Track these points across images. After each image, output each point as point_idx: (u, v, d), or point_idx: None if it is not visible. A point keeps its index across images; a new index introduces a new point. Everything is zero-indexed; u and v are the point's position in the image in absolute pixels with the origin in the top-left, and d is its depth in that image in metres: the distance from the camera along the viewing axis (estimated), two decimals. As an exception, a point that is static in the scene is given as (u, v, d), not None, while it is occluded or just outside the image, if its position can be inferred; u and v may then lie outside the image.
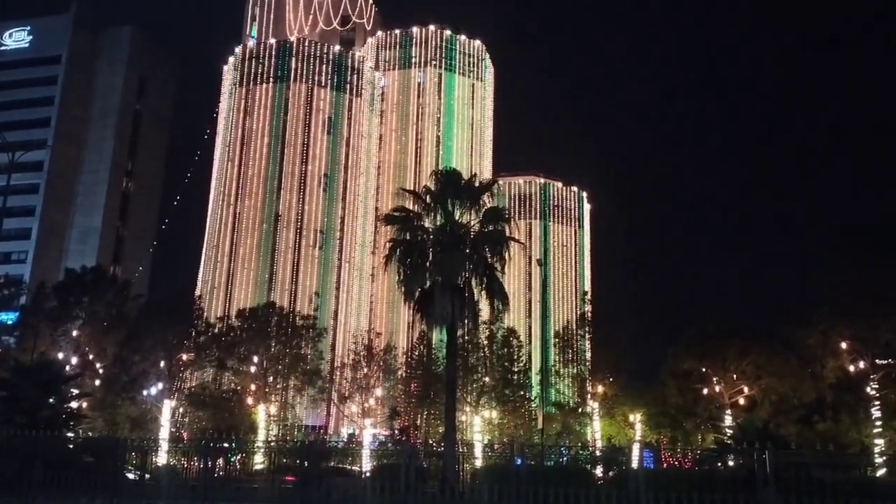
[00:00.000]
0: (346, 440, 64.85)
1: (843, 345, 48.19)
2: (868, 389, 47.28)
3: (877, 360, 47.25)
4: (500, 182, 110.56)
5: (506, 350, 62.14)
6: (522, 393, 63.00)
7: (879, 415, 46.81)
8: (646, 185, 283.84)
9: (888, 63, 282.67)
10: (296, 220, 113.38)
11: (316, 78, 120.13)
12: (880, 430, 46.85)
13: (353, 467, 39.09)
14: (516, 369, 62.60)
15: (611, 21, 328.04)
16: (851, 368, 48.36)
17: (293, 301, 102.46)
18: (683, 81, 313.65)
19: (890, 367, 47.16)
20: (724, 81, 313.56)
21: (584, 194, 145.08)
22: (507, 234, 36.37)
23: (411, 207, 37.21)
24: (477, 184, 37.78)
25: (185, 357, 60.28)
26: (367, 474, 37.82)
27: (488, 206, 37.10)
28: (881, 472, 40.26)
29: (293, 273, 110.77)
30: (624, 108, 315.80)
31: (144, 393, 57.35)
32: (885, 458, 42.01)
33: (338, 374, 69.76)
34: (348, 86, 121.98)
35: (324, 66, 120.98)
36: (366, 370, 64.44)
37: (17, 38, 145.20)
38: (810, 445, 45.05)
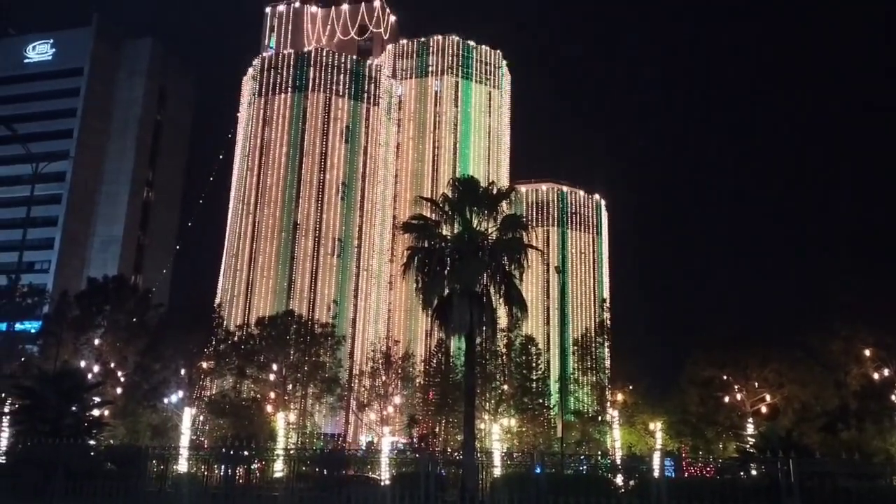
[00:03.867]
0: (364, 448, 64.88)
1: (867, 352, 47.47)
2: (893, 397, 46.53)
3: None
4: (518, 189, 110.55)
5: (524, 358, 61.89)
6: (541, 401, 62.68)
7: (907, 422, 46.02)
8: (664, 191, 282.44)
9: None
10: (314, 228, 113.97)
11: (333, 87, 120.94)
12: (907, 438, 46.05)
13: (373, 475, 39.07)
14: (535, 377, 62.32)
15: (629, 28, 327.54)
16: (875, 376, 47.61)
17: (311, 309, 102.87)
18: (705, 89, 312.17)
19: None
20: (746, 90, 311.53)
21: (602, 201, 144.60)
22: (526, 241, 36.28)
23: (429, 215, 37.25)
24: (494, 191, 37.72)
25: (205, 365, 60.66)
26: (387, 482, 37.77)
27: (506, 213, 37.03)
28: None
29: (311, 281, 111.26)
30: (642, 115, 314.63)
31: (165, 401, 57.77)
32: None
33: (356, 381, 69.86)
34: (365, 95, 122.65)
35: (341, 75, 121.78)
36: (384, 378, 64.46)
37: (41, 51, 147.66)
38: (834, 454, 44.33)
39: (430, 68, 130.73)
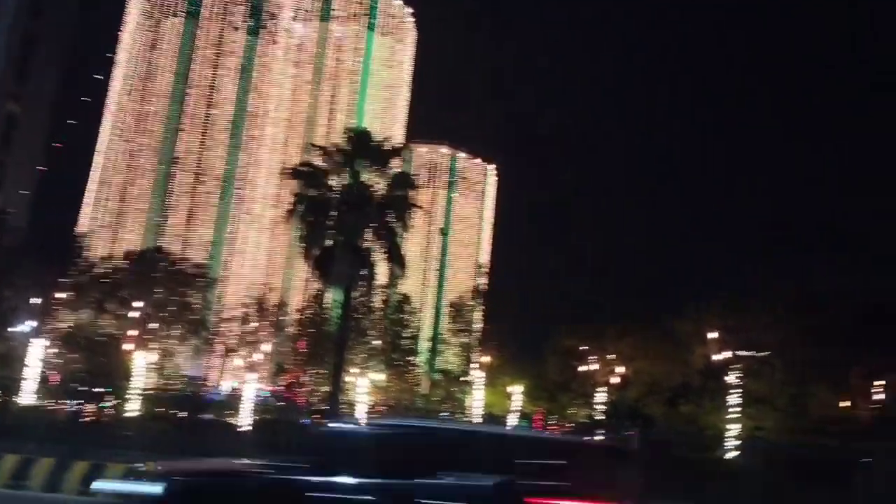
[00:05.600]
0: (228, 393, 63.81)
1: (712, 334, 51.40)
2: (730, 378, 50.78)
3: (741, 352, 50.76)
4: (411, 148, 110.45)
5: (398, 315, 62.70)
6: (410, 358, 63.87)
7: (739, 402, 50.41)
8: (557, 164, 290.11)
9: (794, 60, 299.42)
10: (195, 164, 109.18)
11: (229, 19, 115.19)
12: (738, 415, 50.51)
13: (233, 421, 38.66)
14: (407, 335, 63.34)
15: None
16: (718, 357, 51.72)
17: (185, 248, 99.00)
18: (605, 59, 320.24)
19: (752, 358, 50.83)
20: (651, 65, 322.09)
21: (493, 168, 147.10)
22: (413, 200, 36.64)
23: (318, 164, 36.78)
24: (387, 147, 37.75)
25: (61, 296, 57.27)
26: (248, 428, 37.46)
27: (397, 170, 37.22)
28: (735, 454, 43.65)
29: (187, 219, 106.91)
30: (544, 86, 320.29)
31: (14, 330, 54.13)
32: (739, 442, 45.46)
33: (225, 326, 68.26)
34: (263, 31, 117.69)
35: (239, 7, 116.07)
36: (256, 324, 63.37)
37: None
38: (675, 426, 48.17)
39: (334, 13, 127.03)
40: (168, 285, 61.42)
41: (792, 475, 29.65)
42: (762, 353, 48.24)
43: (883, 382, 47.27)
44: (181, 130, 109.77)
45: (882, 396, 47.44)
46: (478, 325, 69.14)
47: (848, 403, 49.09)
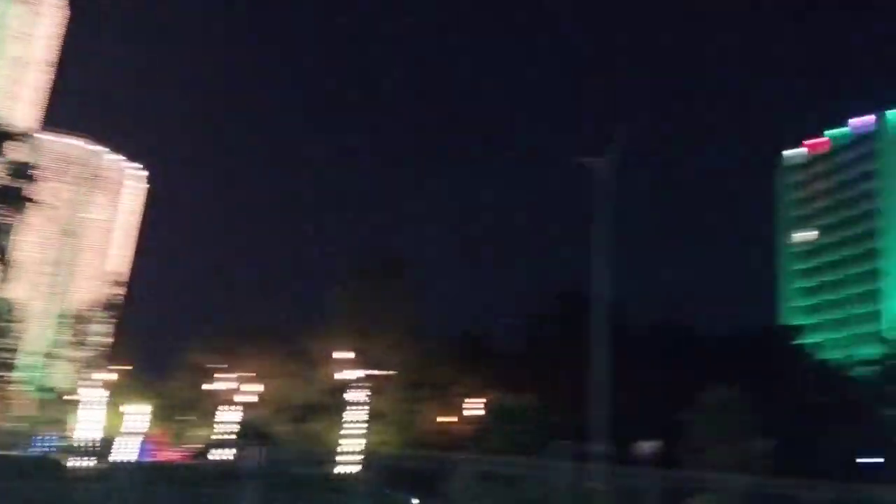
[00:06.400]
0: None
1: (341, 355, 54.64)
2: (355, 396, 54.29)
3: (367, 372, 54.69)
4: (39, 137, 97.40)
5: (-1, 324, 54.31)
6: (7, 374, 55.72)
7: (365, 418, 53.98)
8: (208, 171, 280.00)
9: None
10: None
11: None
12: (363, 431, 53.97)
13: None
14: (7, 347, 55.16)
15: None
16: (346, 376, 55.04)
17: None
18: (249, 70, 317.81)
19: (377, 378, 55.05)
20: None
21: (141, 171, 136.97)
22: (31, 195, 32.93)
23: None
24: (4, 130, 33.31)
25: None
26: None
27: (17, 159, 33.22)
28: (357, 468, 46.72)
29: None
30: (198, 88, 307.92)
31: None
32: (363, 456, 48.72)
33: None
34: None
35: None
36: None
37: None
38: (301, 442, 49.86)
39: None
40: None
41: (399, 483, 33.22)
42: (386, 373, 52.69)
43: (483, 400, 55.07)
44: None
45: (482, 412, 55.16)
46: (106, 339, 63.56)
47: (455, 418, 56.08)
